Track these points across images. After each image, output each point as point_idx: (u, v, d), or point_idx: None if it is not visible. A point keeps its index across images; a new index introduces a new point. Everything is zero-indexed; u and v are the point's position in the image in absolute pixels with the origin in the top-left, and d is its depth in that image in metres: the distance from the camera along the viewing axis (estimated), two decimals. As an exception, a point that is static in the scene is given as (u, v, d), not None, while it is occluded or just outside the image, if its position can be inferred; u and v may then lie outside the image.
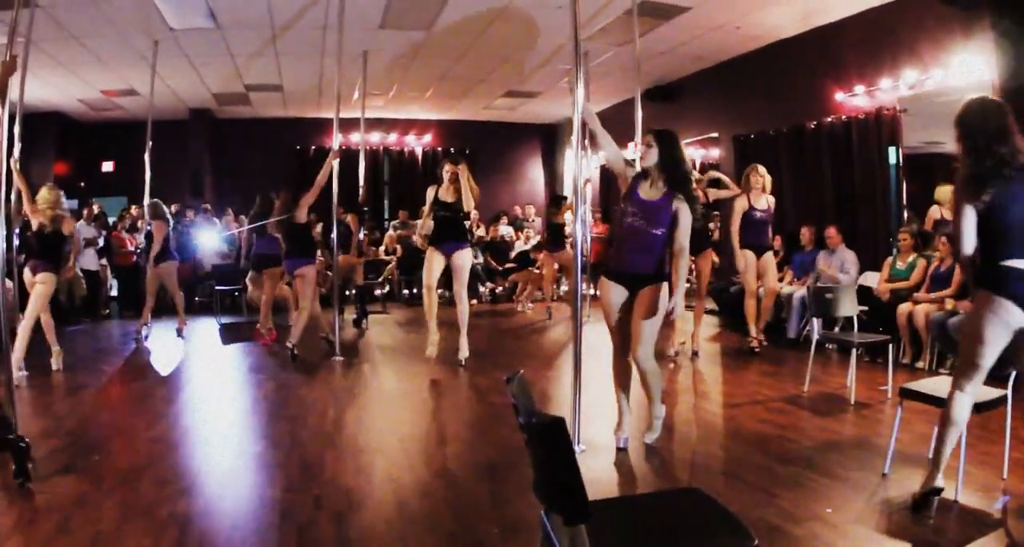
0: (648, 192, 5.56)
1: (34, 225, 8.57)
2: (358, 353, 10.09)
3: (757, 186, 9.74)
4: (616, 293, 5.67)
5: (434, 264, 8.83)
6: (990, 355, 4.14)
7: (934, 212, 9.70)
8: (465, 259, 8.99)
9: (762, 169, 9.87)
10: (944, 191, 9.39)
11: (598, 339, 6.74)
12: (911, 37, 9.89)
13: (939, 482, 4.30)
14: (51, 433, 6.09)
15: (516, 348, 10.96)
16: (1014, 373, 4.72)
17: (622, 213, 5.68)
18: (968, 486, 4.58)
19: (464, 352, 9.03)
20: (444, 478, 5.05)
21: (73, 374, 8.67)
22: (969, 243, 4.15)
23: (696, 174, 10.08)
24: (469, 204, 8.77)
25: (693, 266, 9.73)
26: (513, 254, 17.17)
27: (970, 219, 4.11)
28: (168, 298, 12.32)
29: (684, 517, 2.86)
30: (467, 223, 9.92)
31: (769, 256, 9.96)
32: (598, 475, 5.16)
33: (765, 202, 9.80)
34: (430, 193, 8.98)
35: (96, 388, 8.18)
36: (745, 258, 9.75)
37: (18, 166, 7.46)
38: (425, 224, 9.18)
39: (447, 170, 8.79)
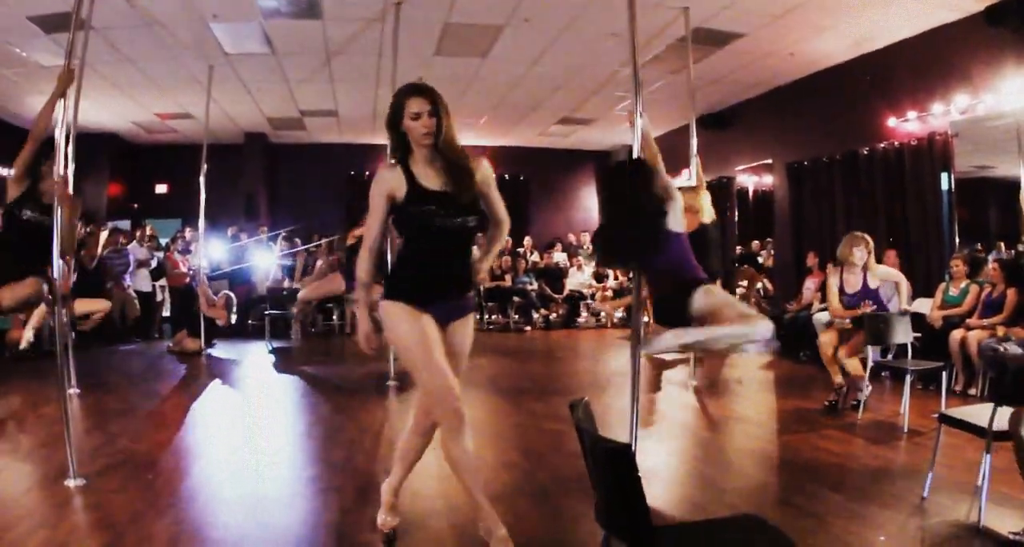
0: None
1: None
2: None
3: (856, 260, 7.92)
4: None
5: (431, 339, 3.96)
6: None
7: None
8: (470, 334, 4.28)
9: (865, 241, 7.96)
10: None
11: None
12: (962, 61, 9.86)
13: None
14: (104, 451, 6.14)
15: (571, 374, 10.98)
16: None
17: None
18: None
19: (499, 529, 4.01)
20: (500, 503, 5.02)
21: (125, 394, 8.76)
22: None
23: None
24: (499, 207, 4.29)
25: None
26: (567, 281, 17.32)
27: None
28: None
29: (746, 544, 2.87)
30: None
31: None
32: (655, 502, 5.14)
33: (861, 280, 7.99)
34: (387, 178, 4.03)
35: (149, 408, 8.25)
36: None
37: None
38: (366, 257, 4.13)
39: (416, 107, 3.97)
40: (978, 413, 4.72)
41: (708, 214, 8.04)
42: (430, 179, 4.01)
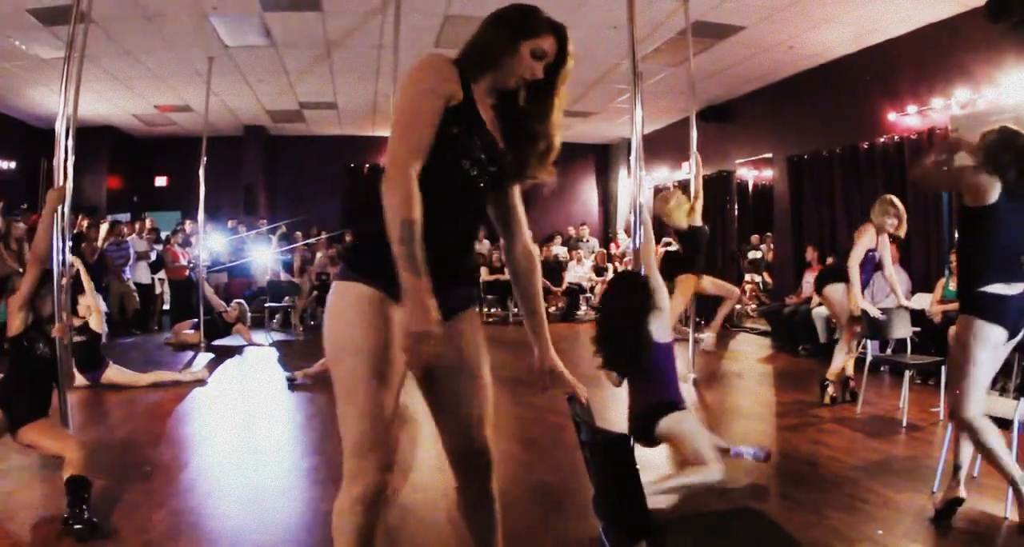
0: None
1: None
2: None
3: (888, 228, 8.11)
4: None
5: (384, 359, 2.75)
6: None
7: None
8: (477, 333, 3.34)
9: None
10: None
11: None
12: (962, 56, 9.83)
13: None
14: (103, 443, 6.15)
15: (570, 367, 10.91)
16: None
17: None
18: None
19: None
20: (499, 497, 5.06)
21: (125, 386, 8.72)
22: None
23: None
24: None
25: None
26: (566, 275, 17.28)
27: None
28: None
29: (745, 537, 2.85)
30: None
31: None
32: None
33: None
34: (450, 74, 2.74)
35: (148, 400, 8.21)
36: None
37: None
38: (407, 185, 2.60)
39: (549, 47, 2.91)
40: (990, 405, 4.73)
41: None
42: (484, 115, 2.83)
